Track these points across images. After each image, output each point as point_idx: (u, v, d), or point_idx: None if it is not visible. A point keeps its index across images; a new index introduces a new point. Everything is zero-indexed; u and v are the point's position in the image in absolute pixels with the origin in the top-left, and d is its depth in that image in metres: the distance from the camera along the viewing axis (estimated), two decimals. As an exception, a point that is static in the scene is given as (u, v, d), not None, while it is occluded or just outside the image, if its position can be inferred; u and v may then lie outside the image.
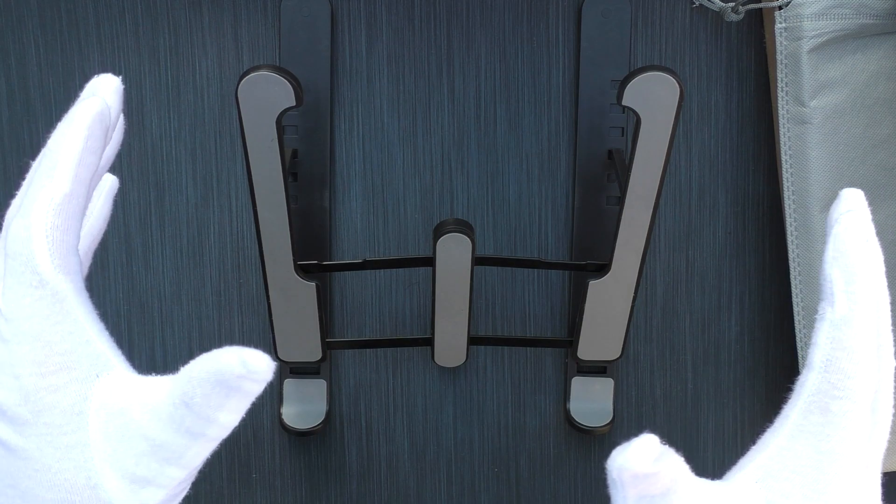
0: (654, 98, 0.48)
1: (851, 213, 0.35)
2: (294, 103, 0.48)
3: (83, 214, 0.36)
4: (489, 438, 0.63)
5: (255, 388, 0.34)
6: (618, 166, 0.55)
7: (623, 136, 0.58)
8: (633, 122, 0.49)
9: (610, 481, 0.35)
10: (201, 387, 0.33)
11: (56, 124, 0.46)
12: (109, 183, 0.45)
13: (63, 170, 0.35)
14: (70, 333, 0.34)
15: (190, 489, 0.38)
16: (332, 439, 0.63)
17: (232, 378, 0.33)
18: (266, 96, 0.47)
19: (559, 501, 0.64)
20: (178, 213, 0.60)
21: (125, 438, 0.34)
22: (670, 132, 0.49)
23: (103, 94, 0.37)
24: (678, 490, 0.34)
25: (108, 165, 0.41)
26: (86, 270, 0.43)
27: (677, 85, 0.47)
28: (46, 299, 0.34)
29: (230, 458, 0.63)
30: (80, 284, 0.36)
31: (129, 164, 0.60)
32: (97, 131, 0.36)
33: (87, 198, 0.36)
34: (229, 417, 0.34)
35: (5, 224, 0.35)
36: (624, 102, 0.48)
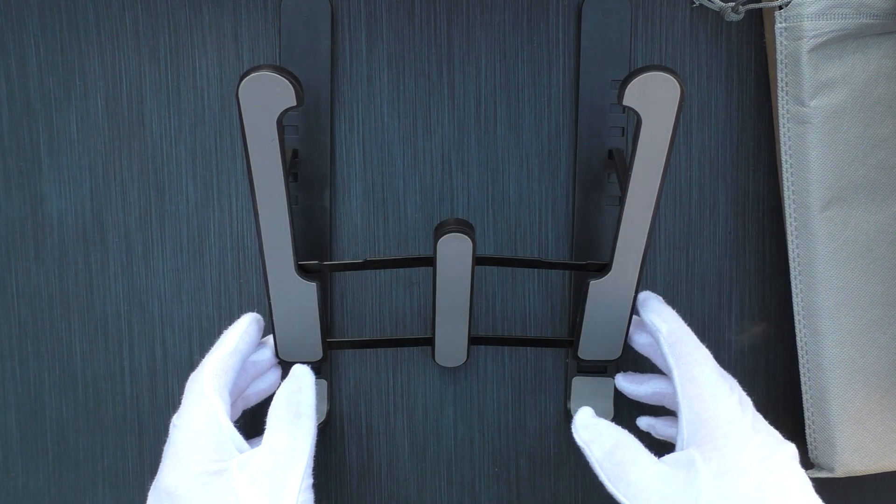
0: (654, 98, 0.48)
1: (643, 292, 0.58)
2: (295, 103, 0.48)
3: (238, 369, 0.54)
4: (489, 438, 0.63)
5: (311, 386, 0.53)
6: (618, 166, 0.55)
7: (623, 136, 0.58)
8: (634, 122, 0.49)
9: (584, 453, 0.53)
10: (280, 402, 0.52)
11: (56, 124, 0.59)
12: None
13: (229, 339, 0.54)
14: (220, 430, 0.50)
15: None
16: (332, 439, 0.63)
17: (292, 395, 0.52)
18: (267, 96, 0.47)
19: (559, 501, 0.64)
20: (178, 213, 0.60)
21: (256, 468, 0.49)
22: (671, 132, 0.49)
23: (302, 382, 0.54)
24: (624, 444, 0.52)
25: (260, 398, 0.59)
26: (239, 412, 0.58)
27: (678, 85, 0.47)
28: (206, 408, 0.50)
29: (230, 458, 0.63)
30: (228, 409, 0.51)
31: (129, 163, 0.60)
32: (253, 326, 0.56)
33: (242, 361, 0.54)
34: (307, 410, 0.52)
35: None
36: (625, 102, 0.48)
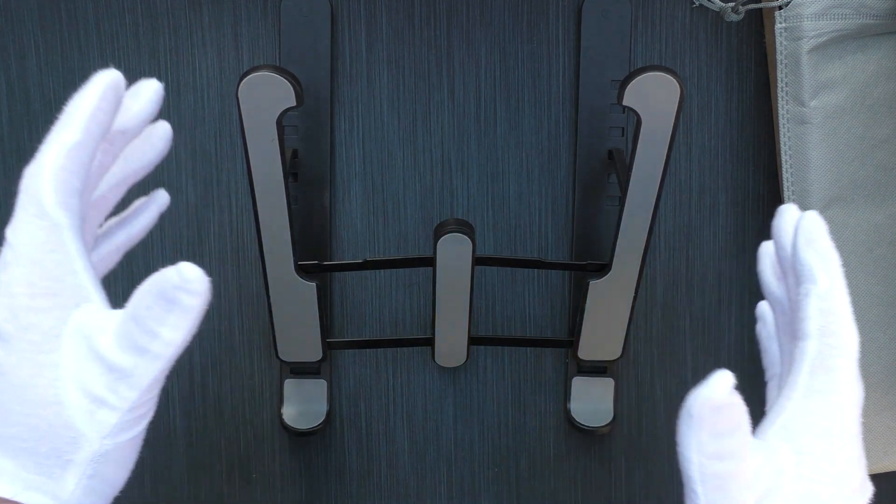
0: (654, 98, 0.48)
1: (810, 212, 0.42)
2: (294, 103, 0.48)
3: (90, 163, 0.40)
4: (489, 438, 0.63)
5: (193, 302, 0.37)
6: (618, 166, 0.55)
7: (623, 136, 0.58)
8: (634, 122, 0.49)
9: (684, 426, 0.38)
10: (144, 300, 0.38)
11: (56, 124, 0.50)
12: (160, 197, 0.48)
13: (75, 123, 0.39)
14: (61, 263, 0.39)
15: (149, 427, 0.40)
16: (332, 439, 0.63)
17: (169, 289, 0.37)
18: (266, 96, 0.47)
19: (559, 501, 0.64)
20: (178, 213, 0.60)
21: (88, 360, 0.38)
22: (671, 132, 0.49)
23: (145, 95, 0.43)
24: (742, 432, 0.38)
25: (149, 167, 0.46)
26: (112, 265, 0.47)
27: (678, 85, 0.47)
28: (45, 229, 0.38)
29: (230, 457, 0.63)
30: (78, 224, 0.39)
31: (129, 164, 0.60)
32: (109, 95, 0.40)
33: (95, 151, 0.40)
34: (172, 334, 0.38)
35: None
36: (624, 102, 0.48)
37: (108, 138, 0.43)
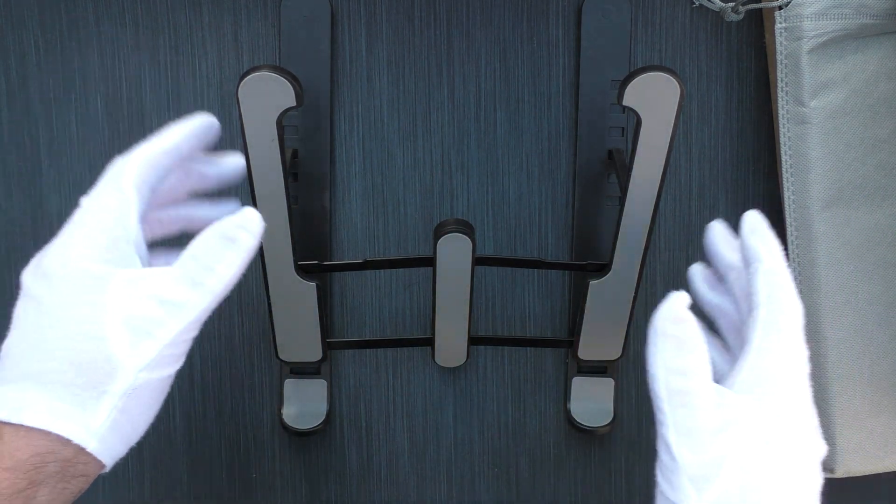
0: (654, 98, 0.48)
1: (751, 210, 0.48)
2: (294, 103, 0.48)
3: (166, 173, 0.47)
4: (489, 438, 0.63)
5: (249, 241, 0.45)
6: (618, 166, 0.55)
7: (623, 136, 0.58)
8: (634, 122, 0.49)
9: (651, 345, 0.45)
10: (205, 241, 0.45)
11: (56, 124, 0.60)
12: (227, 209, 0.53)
13: (169, 137, 0.47)
14: (121, 231, 0.45)
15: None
16: (332, 439, 0.63)
17: (231, 228, 0.45)
18: (266, 96, 0.47)
19: (559, 501, 0.64)
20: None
21: (137, 297, 0.43)
22: (671, 132, 0.49)
23: (226, 166, 0.51)
24: (701, 349, 0.45)
25: (183, 226, 0.52)
26: (170, 229, 0.51)
27: (678, 85, 0.47)
28: (118, 200, 0.45)
29: (231, 457, 0.63)
30: (142, 210, 0.46)
31: (129, 164, 0.60)
32: (200, 132, 0.48)
33: (174, 166, 0.48)
34: (227, 269, 0.45)
35: None
36: (624, 103, 0.48)
37: (185, 169, 0.50)
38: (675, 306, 0.45)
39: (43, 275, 0.44)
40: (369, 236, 0.61)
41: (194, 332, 0.45)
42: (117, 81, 0.59)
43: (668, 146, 0.49)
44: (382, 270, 0.61)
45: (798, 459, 0.46)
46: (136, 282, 0.44)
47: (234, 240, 0.45)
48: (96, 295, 0.43)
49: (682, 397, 0.44)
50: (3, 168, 0.60)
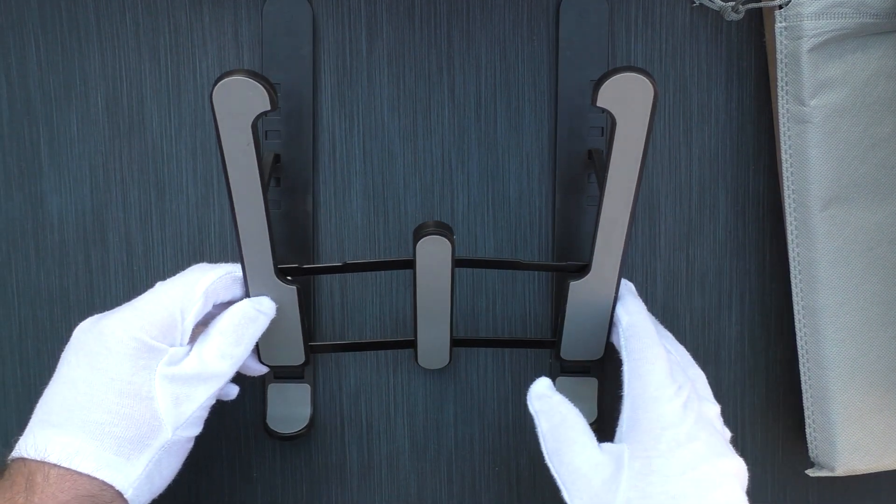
0: (628, 99, 0.47)
1: (626, 286, 0.57)
2: (269, 107, 0.47)
3: (230, 295, 0.54)
4: (490, 437, 0.63)
5: (264, 319, 0.54)
6: (597, 166, 0.55)
7: (602, 136, 0.58)
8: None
9: (535, 422, 0.53)
10: (230, 320, 0.53)
11: (56, 124, 0.60)
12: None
13: (237, 270, 0.54)
14: (183, 321, 0.51)
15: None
16: (332, 439, 0.63)
17: (251, 311, 0.53)
18: (240, 101, 0.47)
19: (559, 500, 0.64)
20: (178, 213, 0.60)
21: (180, 367, 0.51)
22: (646, 132, 0.48)
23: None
24: (570, 423, 0.52)
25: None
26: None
27: (651, 86, 0.47)
28: (188, 296, 0.51)
29: (231, 457, 0.63)
30: (203, 312, 0.52)
31: (130, 163, 0.60)
32: (251, 313, 0.54)
33: (229, 299, 0.54)
34: (249, 342, 0.53)
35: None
36: (598, 104, 0.47)
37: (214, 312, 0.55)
38: (537, 387, 0.54)
39: (100, 335, 0.50)
40: (369, 236, 0.61)
41: (216, 396, 0.53)
42: (117, 81, 0.59)
43: (643, 146, 0.49)
44: (368, 273, 0.61)
45: (697, 482, 0.49)
46: (181, 356, 0.51)
47: (254, 319, 0.53)
48: (148, 361, 0.50)
49: (567, 465, 0.51)
50: (3, 168, 0.60)
